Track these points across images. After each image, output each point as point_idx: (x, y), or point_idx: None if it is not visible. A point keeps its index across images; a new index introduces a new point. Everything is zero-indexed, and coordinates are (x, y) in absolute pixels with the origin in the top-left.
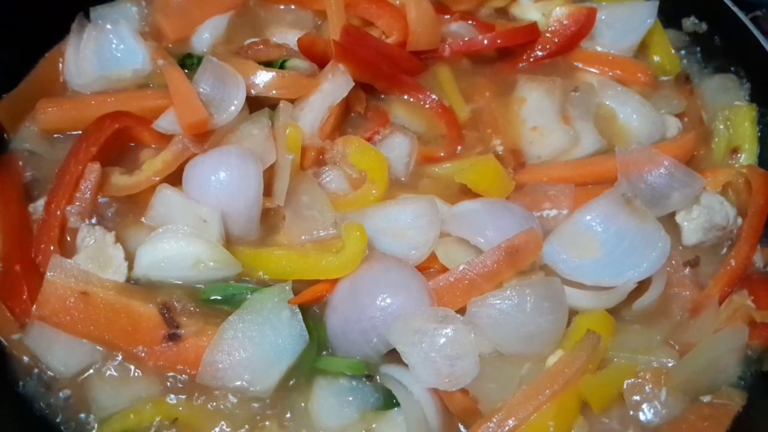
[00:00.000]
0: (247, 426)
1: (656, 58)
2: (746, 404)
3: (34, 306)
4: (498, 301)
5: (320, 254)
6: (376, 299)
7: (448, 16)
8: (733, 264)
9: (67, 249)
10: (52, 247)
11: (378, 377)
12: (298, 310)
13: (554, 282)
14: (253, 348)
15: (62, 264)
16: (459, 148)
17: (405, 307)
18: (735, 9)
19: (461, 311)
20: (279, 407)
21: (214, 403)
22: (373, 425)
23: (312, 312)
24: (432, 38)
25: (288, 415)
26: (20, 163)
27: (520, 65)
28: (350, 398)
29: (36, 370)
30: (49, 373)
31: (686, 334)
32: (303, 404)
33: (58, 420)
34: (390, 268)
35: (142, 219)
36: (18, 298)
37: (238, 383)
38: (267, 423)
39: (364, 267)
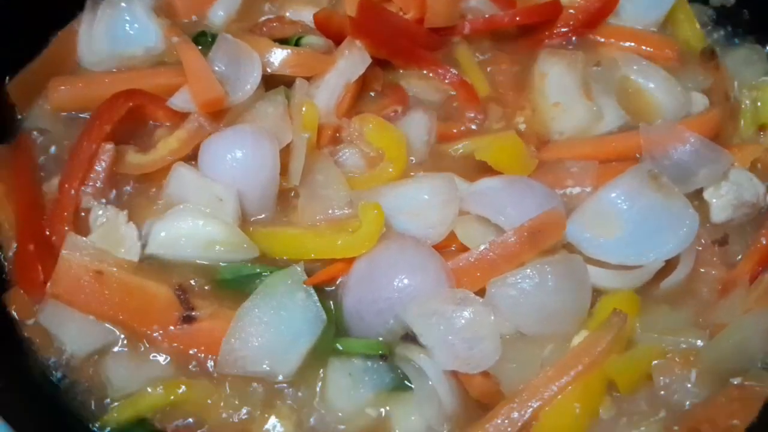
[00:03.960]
0: (261, 406)
1: (681, 33)
2: None
3: (48, 283)
4: (519, 280)
5: (336, 233)
6: (393, 280)
7: None
8: (764, 242)
9: (81, 228)
10: (66, 227)
11: (393, 357)
12: (313, 291)
13: (575, 259)
14: (269, 333)
15: (77, 242)
16: (480, 124)
17: (422, 289)
18: None
19: (481, 292)
20: (293, 388)
21: (228, 384)
22: (388, 406)
23: (327, 293)
24: (450, 15)
25: (301, 396)
26: (34, 142)
27: (544, 42)
28: (365, 378)
29: (50, 351)
30: (64, 353)
31: (715, 315)
32: (317, 385)
33: (72, 401)
34: (407, 248)
35: (158, 198)
36: (33, 278)
37: (259, 369)
38: (280, 403)
39: (381, 247)
